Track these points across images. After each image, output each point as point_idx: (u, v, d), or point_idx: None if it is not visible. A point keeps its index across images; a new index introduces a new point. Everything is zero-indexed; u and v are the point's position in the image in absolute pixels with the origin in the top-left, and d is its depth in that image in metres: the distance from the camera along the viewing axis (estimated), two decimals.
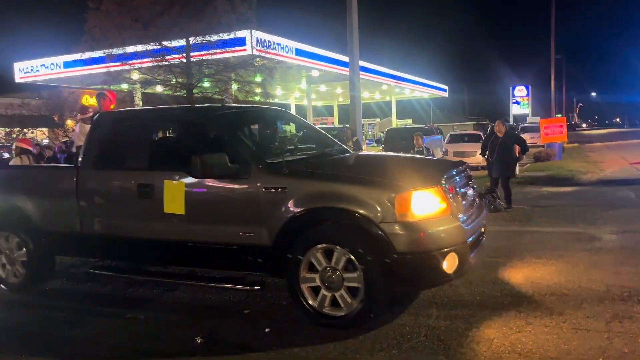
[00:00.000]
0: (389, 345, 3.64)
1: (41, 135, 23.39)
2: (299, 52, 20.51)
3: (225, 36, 15.52)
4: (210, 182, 4.25)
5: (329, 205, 3.89)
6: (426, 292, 4.56)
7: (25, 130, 20.96)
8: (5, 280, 5.32)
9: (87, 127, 7.08)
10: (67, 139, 20.91)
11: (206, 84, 17.37)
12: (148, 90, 19.22)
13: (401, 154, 7.24)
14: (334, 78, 24.49)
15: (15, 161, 7.39)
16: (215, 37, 15.24)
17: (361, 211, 3.75)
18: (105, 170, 4.88)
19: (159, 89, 18.12)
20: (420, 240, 3.73)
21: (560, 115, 29.68)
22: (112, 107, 6.59)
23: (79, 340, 4.08)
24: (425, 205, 3.84)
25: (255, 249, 4.13)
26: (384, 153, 6.65)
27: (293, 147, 5.20)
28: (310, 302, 3.97)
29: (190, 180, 4.29)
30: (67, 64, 22.13)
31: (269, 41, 18.41)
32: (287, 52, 19.67)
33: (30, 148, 7.91)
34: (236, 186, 4.16)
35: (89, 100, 26.15)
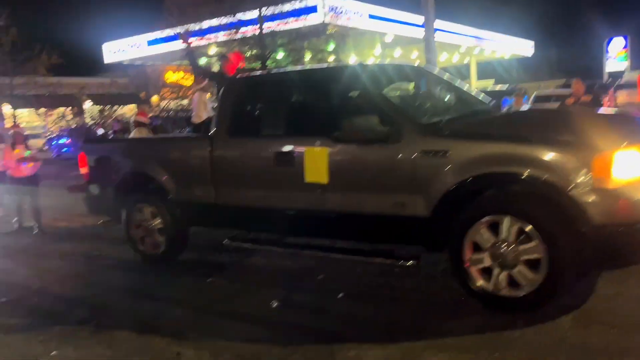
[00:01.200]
0: (447, 312, 3.54)
1: (129, 112, 24.91)
2: (372, 17, 20.02)
3: (297, 4, 15.49)
4: (357, 148, 3.90)
5: (504, 170, 3.37)
6: None
7: (115, 107, 22.42)
8: (143, 252, 5.32)
9: (206, 95, 7.24)
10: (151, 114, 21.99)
11: (279, 55, 17.51)
12: None
13: (579, 107, 6.68)
14: (409, 41, 23.77)
15: (135, 134, 7.73)
16: (287, 6, 15.25)
17: (547, 177, 3.21)
18: (241, 139, 4.65)
19: None
20: (623, 210, 3.16)
21: None
22: (237, 69, 5.96)
23: (162, 301, 4.34)
24: (631, 167, 3.24)
25: (410, 220, 3.72)
26: (556, 108, 5.96)
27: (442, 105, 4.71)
28: (479, 282, 3.47)
29: (334, 146, 3.96)
30: (149, 43, 23.19)
31: (340, 7, 18.11)
32: (359, 17, 19.27)
33: (147, 121, 8.24)
34: (388, 151, 3.75)
35: (172, 77, 27.30)
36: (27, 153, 7.53)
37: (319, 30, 16.71)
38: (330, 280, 4.44)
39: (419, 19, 16.05)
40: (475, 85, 35.34)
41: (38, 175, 7.62)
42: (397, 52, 27.80)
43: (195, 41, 16.72)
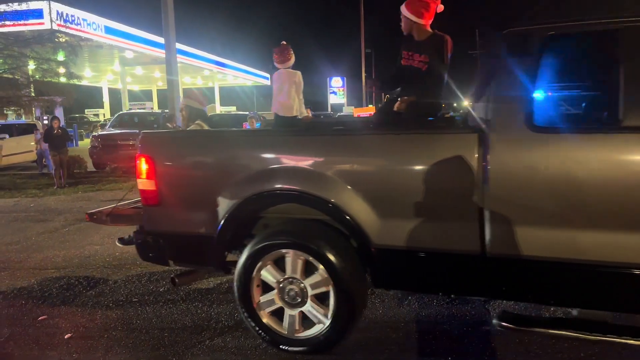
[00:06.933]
0: None
1: None
2: (109, 30, 18.91)
3: (17, 6, 13.51)
4: None
5: None
6: None
7: None
8: (276, 332, 2.96)
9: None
10: None
11: None
12: None
13: None
14: (151, 61, 23.22)
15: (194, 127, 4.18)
16: (2, 7, 13.15)
17: None
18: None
19: None
20: None
21: (370, 105, 32.43)
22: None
23: None
24: None
25: None
26: None
27: None
28: None
29: None
30: None
31: (72, 15, 16.63)
32: (94, 30, 17.99)
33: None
34: None
35: None
36: None
37: (45, 37, 14.84)
38: None
39: (161, 39, 15.82)
40: (219, 110, 36.55)
41: None
42: (139, 70, 26.86)
43: None
